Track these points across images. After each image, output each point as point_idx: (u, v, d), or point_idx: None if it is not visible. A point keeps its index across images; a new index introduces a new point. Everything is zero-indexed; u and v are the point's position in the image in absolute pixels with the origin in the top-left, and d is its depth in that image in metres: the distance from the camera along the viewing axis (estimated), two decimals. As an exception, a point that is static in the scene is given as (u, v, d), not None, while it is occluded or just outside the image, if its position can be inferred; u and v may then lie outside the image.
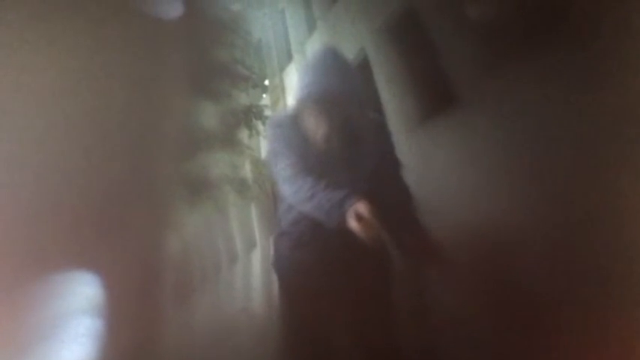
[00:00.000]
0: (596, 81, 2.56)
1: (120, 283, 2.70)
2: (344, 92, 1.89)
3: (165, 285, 3.68)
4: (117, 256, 2.71)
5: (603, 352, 2.01)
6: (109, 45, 3.05)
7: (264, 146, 8.26)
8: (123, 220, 2.95)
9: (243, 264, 8.55)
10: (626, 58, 2.41)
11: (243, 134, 7.91)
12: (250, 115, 7.84)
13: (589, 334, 2.13)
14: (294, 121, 1.99)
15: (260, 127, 7.74)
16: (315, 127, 1.93)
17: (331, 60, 1.95)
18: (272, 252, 2.08)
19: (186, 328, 4.36)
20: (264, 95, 9.36)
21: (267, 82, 9.34)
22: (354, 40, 5.56)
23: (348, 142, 1.95)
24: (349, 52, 5.73)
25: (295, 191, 1.83)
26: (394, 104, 4.82)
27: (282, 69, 9.00)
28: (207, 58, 6.97)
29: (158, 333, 3.26)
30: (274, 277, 2.03)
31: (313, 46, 6.74)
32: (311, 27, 7.11)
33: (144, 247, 3.18)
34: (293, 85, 7.81)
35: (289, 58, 8.75)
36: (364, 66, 5.46)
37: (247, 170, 8.38)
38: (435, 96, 4.15)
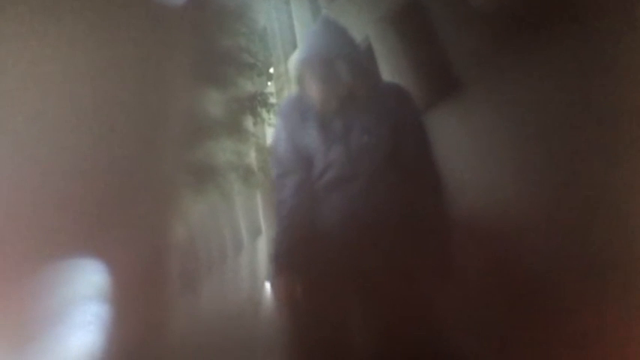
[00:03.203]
0: (601, 70, 2.55)
1: (126, 270, 2.72)
2: (338, 55, 1.87)
3: (171, 272, 3.71)
4: (123, 243, 2.73)
5: (607, 341, 2.02)
6: (114, 33, 3.05)
7: (269, 134, 8.26)
8: (129, 207, 2.97)
9: (249, 251, 8.58)
10: (631, 47, 2.40)
11: (249, 122, 7.88)
12: (255, 102, 7.83)
13: (596, 325, 2.14)
14: (299, 97, 1.98)
15: (265, 114, 7.74)
16: (315, 93, 1.89)
17: (323, 26, 1.97)
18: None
19: (192, 315, 4.40)
20: (269, 83, 9.31)
21: (272, 70, 9.29)
22: (358, 29, 5.53)
23: (352, 110, 1.88)
24: (353, 41, 5.70)
25: (279, 188, 1.87)
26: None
27: (287, 57, 8.98)
28: (212, 46, 6.95)
29: (164, 320, 3.29)
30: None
31: (318, 34, 6.72)
32: (315, 15, 7.10)
33: (150, 234, 3.20)
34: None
35: (294, 46, 8.72)
36: (368, 54, 5.44)
37: (252, 158, 8.35)
38: (439, 84, 4.14)
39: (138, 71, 3.25)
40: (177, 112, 4.59)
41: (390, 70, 4.96)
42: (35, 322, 2.35)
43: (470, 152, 3.56)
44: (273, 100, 8.06)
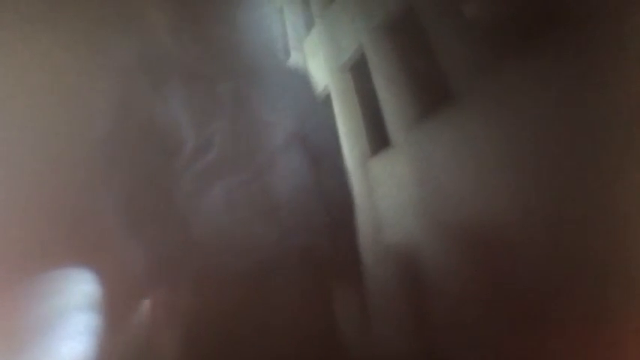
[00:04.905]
0: (596, 80, 2.56)
1: (118, 280, 2.69)
2: None
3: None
4: (115, 253, 2.70)
5: (602, 349, 2.02)
6: (108, 40, 3.04)
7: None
8: (122, 217, 2.94)
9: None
10: (627, 57, 2.40)
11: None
12: (248, 112, 7.76)
13: (588, 332, 2.13)
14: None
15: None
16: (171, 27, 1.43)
17: None
18: None
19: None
20: (261, 92, 9.23)
21: (264, 79, 9.22)
22: (352, 38, 5.54)
23: (244, 72, 1.43)
24: (347, 50, 5.70)
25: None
26: (392, 102, 4.81)
27: (279, 66, 8.93)
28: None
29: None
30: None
31: (311, 43, 6.71)
32: (309, 24, 7.09)
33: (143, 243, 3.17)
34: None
35: (287, 55, 8.70)
36: (362, 64, 5.44)
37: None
38: (434, 94, 4.14)
39: (132, 80, 3.24)
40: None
41: (383, 79, 4.96)
42: (26, 333, 2.31)
43: (465, 163, 3.56)
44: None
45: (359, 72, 5.62)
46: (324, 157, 1.62)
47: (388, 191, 4.52)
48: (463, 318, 3.11)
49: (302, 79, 1.72)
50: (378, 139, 5.11)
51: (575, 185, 2.63)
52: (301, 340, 1.45)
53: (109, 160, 1.44)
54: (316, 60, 6.39)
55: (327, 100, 5.73)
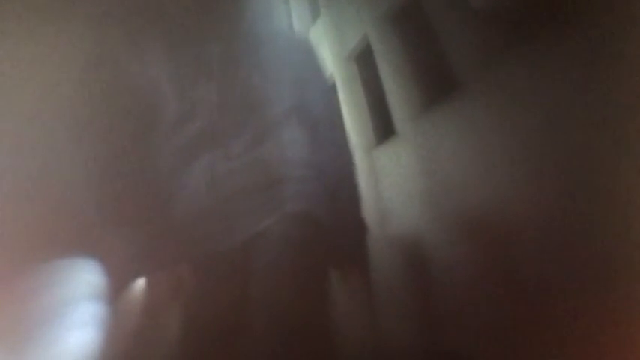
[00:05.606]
0: (606, 70, 2.53)
1: (124, 270, 2.68)
2: None
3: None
4: (121, 242, 2.69)
5: (607, 345, 2.01)
6: (114, 32, 3.02)
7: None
8: (127, 206, 2.93)
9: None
10: (636, 46, 2.38)
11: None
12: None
13: (593, 327, 2.12)
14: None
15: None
16: None
17: None
18: None
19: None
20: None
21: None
22: (358, 27, 5.51)
23: (235, 35, 1.27)
24: (352, 40, 5.68)
25: None
26: (397, 92, 4.80)
27: (285, 56, 8.91)
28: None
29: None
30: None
31: (316, 33, 6.69)
32: (315, 14, 7.05)
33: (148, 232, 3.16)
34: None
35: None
36: (367, 53, 5.42)
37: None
38: (440, 84, 4.13)
39: (134, 74, 3.22)
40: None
41: (389, 69, 4.94)
42: (32, 323, 2.30)
43: (472, 152, 3.55)
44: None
45: (364, 61, 5.60)
46: (326, 134, 1.52)
47: (393, 181, 4.52)
48: (469, 309, 3.11)
49: (305, 50, 1.61)
50: (383, 128, 5.11)
51: (584, 176, 2.61)
52: (300, 330, 1.38)
53: (81, 130, 1.28)
54: (321, 50, 6.37)
55: (332, 90, 5.74)
